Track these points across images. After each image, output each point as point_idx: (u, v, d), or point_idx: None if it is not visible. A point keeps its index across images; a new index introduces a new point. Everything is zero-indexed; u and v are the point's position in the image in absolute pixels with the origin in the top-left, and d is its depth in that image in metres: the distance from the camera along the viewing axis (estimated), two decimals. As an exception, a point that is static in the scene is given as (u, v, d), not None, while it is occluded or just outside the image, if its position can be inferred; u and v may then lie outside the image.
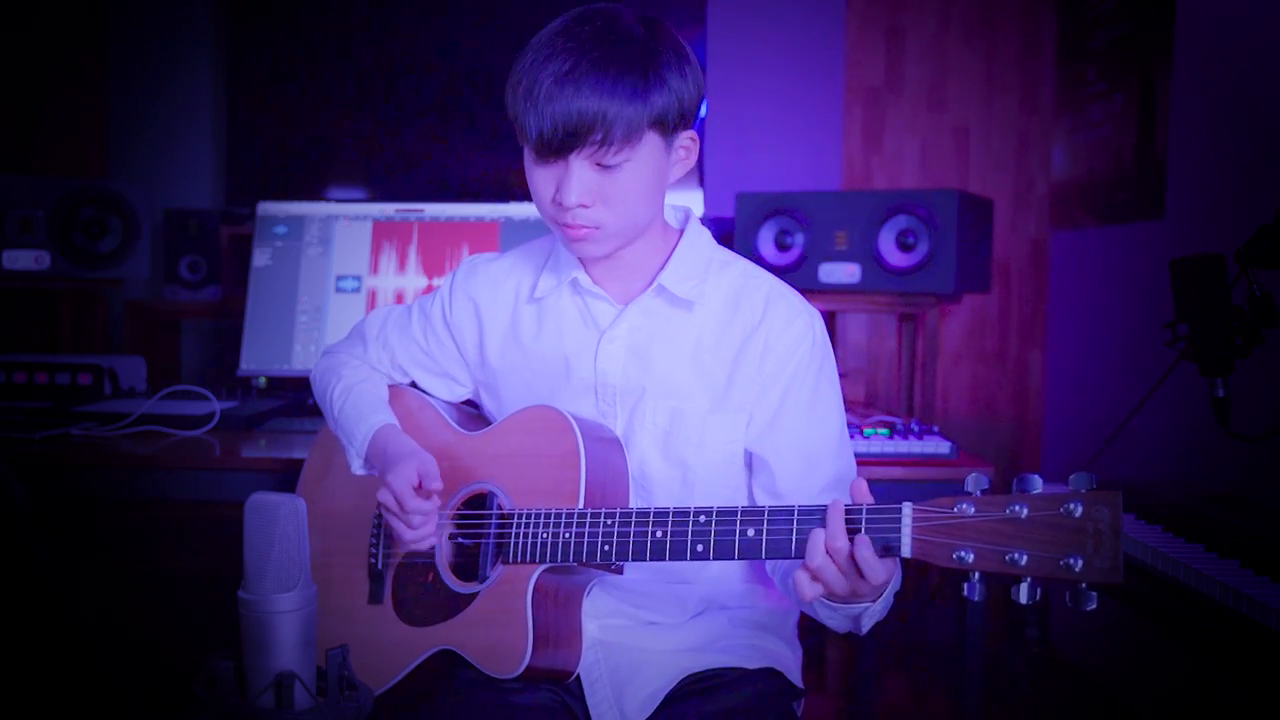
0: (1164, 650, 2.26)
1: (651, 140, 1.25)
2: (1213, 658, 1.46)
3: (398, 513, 1.30)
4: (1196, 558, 1.52)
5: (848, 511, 1.12)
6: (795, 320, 1.34)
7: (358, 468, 1.43)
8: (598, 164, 1.23)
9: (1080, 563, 0.99)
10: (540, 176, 1.27)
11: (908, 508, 1.08)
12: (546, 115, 1.20)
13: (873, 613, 1.22)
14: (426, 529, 1.31)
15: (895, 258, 2.68)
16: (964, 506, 1.05)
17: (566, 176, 1.24)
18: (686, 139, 1.30)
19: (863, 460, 1.83)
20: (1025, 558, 1.01)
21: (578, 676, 1.35)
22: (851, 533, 1.10)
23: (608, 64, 1.20)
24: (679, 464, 1.36)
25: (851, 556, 1.10)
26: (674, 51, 1.25)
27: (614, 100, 1.19)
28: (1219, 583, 1.41)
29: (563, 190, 1.25)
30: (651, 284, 1.36)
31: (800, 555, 1.13)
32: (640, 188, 1.27)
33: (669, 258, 1.36)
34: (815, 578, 1.12)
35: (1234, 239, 1.73)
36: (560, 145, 1.22)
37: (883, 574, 1.10)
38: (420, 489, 1.29)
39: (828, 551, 1.11)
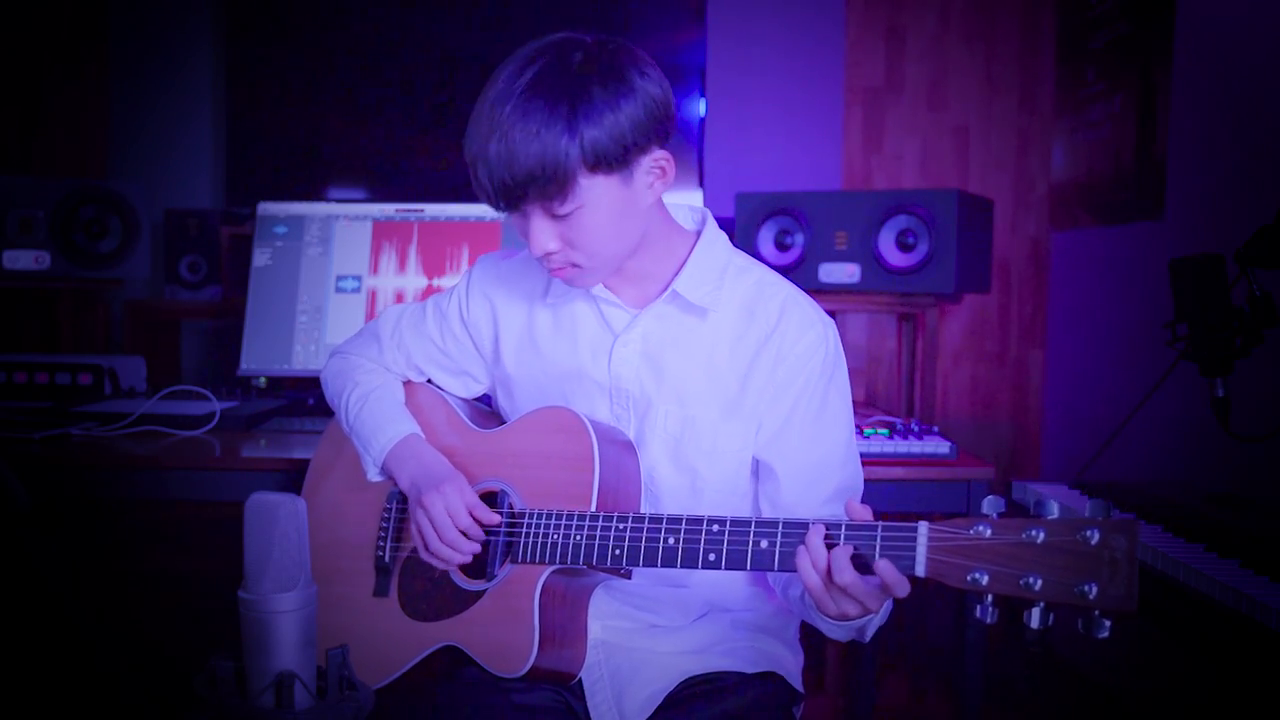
0: (1164, 650, 2.26)
1: (596, 183, 1.21)
2: (1213, 658, 1.46)
3: (445, 526, 1.30)
4: (1196, 558, 1.52)
5: (861, 528, 1.12)
6: (810, 330, 1.33)
7: (374, 475, 1.43)
8: (550, 215, 1.23)
9: (1095, 589, 0.99)
10: (514, 222, 1.29)
11: (923, 527, 1.08)
12: (483, 178, 1.21)
13: (875, 622, 1.22)
14: (469, 549, 1.31)
15: (895, 258, 2.68)
16: (980, 528, 1.05)
17: (528, 227, 1.25)
18: (654, 162, 1.25)
19: (863, 460, 1.82)
20: (1040, 582, 1.01)
21: (580, 677, 1.35)
22: (861, 559, 1.11)
23: (528, 121, 1.18)
24: (689, 471, 1.35)
25: (833, 582, 1.11)
26: (609, 83, 1.20)
27: (539, 160, 1.18)
28: (1219, 583, 1.41)
29: (529, 240, 1.26)
30: (666, 289, 1.34)
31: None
32: (601, 226, 1.25)
33: (684, 263, 1.34)
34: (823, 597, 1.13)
35: (1234, 239, 1.73)
36: (505, 204, 1.23)
37: (905, 589, 1.10)
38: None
39: (822, 581, 1.12)
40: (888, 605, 1.21)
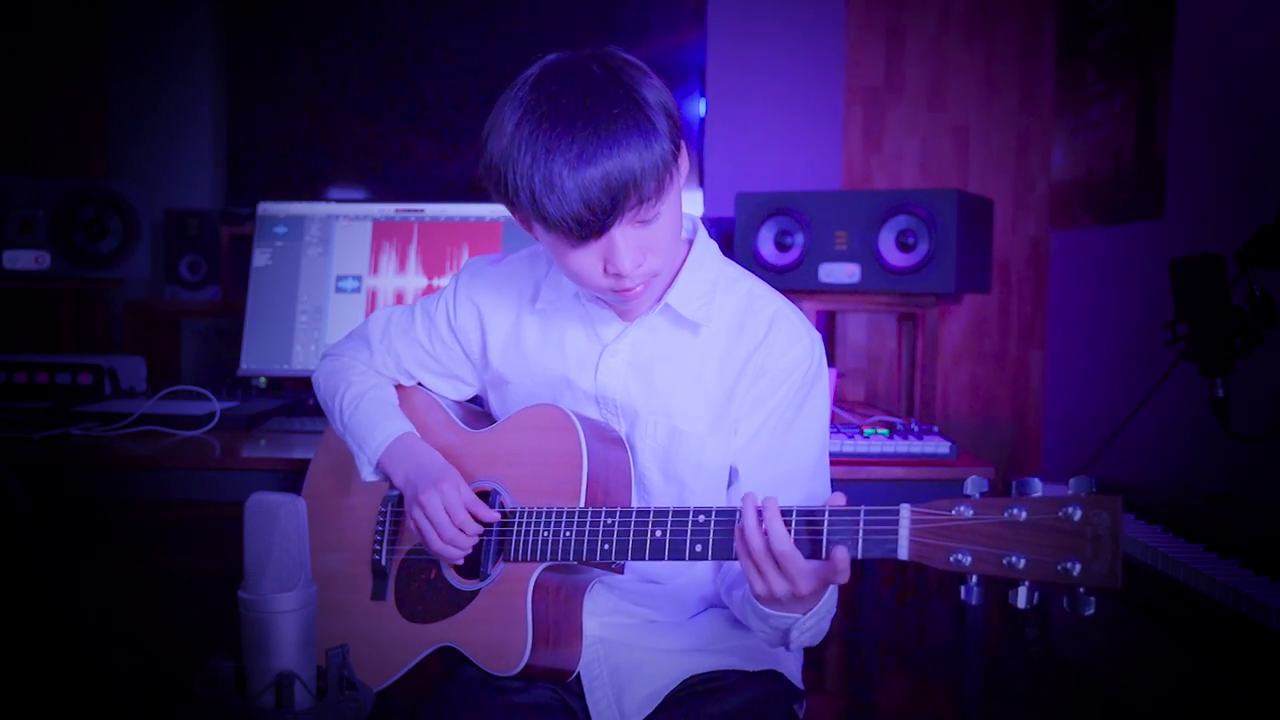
0: (1164, 650, 2.27)
1: (677, 169, 1.21)
2: (1213, 658, 1.46)
3: (443, 523, 1.29)
4: (1196, 558, 1.52)
5: (844, 513, 1.11)
6: (795, 345, 1.33)
7: (368, 474, 1.43)
8: (639, 222, 1.19)
9: (1078, 567, 0.98)
10: (578, 259, 1.22)
11: (905, 509, 1.08)
12: (576, 203, 1.14)
13: (802, 628, 1.21)
14: (467, 544, 1.31)
15: (895, 258, 2.68)
16: (962, 509, 1.04)
17: (613, 248, 1.19)
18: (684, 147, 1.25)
19: (863, 460, 1.82)
20: (1023, 561, 1.01)
21: (578, 675, 1.35)
22: (815, 545, 1.11)
23: (611, 125, 1.14)
24: (677, 481, 1.36)
25: (770, 549, 1.11)
26: (637, 74, 1.19)
27: (637, 157, 1.14)
28: (1219, 583, 1.41)
29: (617, 261, 1.20)
30: (659, 301, 1.33)
31: (809, 557, 1.13)
32: (675, 217, 1.25)
33: (677, 274, 1.33)
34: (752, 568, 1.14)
35: (1234, 239, 1.73)
36: (600, 225, 1.16)
37: (845, 576, 1.10)
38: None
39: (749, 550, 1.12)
40: (821, 619, 1.21)
